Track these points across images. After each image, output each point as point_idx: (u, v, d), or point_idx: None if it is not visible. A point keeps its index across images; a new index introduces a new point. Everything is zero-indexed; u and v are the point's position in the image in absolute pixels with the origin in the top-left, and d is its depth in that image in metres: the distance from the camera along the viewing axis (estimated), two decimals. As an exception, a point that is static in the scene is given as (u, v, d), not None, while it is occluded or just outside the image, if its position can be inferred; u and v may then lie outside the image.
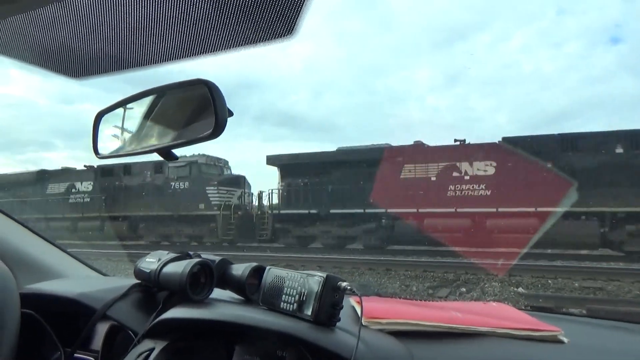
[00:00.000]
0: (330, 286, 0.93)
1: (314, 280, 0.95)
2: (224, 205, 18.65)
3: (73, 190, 21.64)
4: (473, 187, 15.30)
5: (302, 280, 0.98)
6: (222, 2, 0.84)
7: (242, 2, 0.83)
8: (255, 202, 20.02)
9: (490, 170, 15.13)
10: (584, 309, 6.24)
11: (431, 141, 16.94)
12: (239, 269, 1.17)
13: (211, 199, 18.80)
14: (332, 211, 16.81)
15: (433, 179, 15.81)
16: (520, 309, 1.24)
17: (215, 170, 20.18)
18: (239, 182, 20.10)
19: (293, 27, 0.87)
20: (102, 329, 1.15)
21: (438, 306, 1.20)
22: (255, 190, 20.39)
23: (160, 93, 1.00)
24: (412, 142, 17.17)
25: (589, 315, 5.08)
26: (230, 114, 0.99)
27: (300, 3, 0.83)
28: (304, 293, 0.95)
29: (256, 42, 0.89)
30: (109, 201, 20.63)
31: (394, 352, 0.89)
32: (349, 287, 0.94)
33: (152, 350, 0.97)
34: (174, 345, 0.99)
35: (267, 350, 0.95)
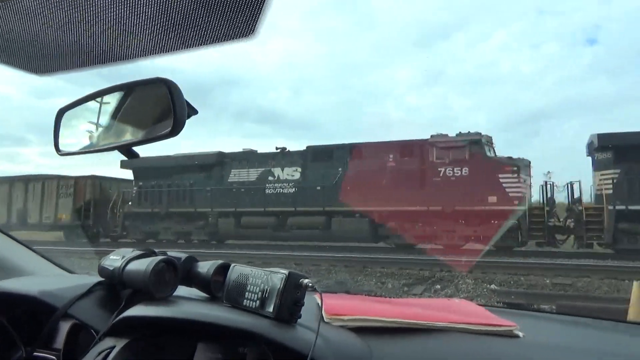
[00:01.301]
0: (292, 283, 0.95)
1: (277, 277, 0.96)
2: (529, 199, 14.11)
3: (270, 178, 17.00)
4: None
5: (265, 277, 0.99)
6: (181, 1, 0.84)
7: (202, 2, 0.84)
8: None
9: None
10: (554, 305, 6.40)
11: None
12: (205, 267, 1.17)
13: (508, 189, 13.97)
14: None
15: None
16: (493, 306, 1.28)
17: (492, 153, 15.15)
18: (528, 168, 14.87)
19: (254, 28, 0.88)
20: (64, 327, 1.14)
21: (401, 303, 1.23)
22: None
23: (122, 91, 1.00)
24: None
25: (558, 311, 5.22)
26: (195, 112, 1.00)
27: (259, 4, 0.84)
28: (266, 290, 0.96)
29: (216, 41, 0.90)
30: (330, 191, 15.68)
31: (353, 347, 0.91)
32: (310, 284, 0.96)
33: (112, 348, 0.96)
34: (136, 344, 0.99)
35: (229, 348, 0.95)
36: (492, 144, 15.14)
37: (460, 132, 15.13)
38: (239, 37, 0.90)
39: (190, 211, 17.99)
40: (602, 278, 9.21)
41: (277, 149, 17.48)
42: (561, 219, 14.43)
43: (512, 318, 1.09)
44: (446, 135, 15.23)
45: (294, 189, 16.55)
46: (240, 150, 18.32)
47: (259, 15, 0.86)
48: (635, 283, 5.60)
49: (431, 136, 15.31)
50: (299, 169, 16.71)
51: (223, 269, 1.15)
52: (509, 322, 1.03)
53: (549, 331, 1.18)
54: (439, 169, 14.68)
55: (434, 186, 14.55)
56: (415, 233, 14.62)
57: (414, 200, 14.41)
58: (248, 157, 17.76)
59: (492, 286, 8.76)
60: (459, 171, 14.51)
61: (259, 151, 18.03)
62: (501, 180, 14.06)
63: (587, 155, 15.05)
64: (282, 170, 16.94)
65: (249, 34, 0.89)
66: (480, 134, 14.89)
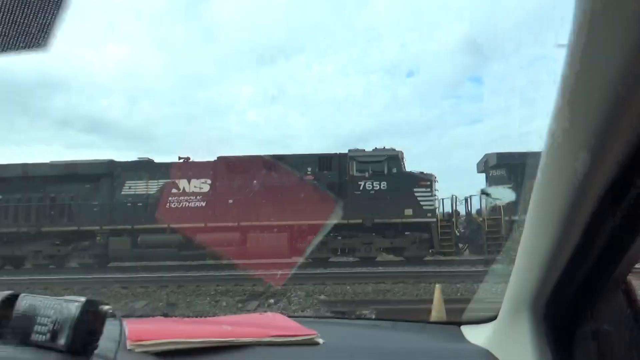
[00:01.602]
0: (89, 311, 0.89)
1: (73, 305, 0.90)
2: (440, 212, 15.00)
3: (174, 190, 15.06)
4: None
5: (58, 306, 0.91)
6: None
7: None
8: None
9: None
10: (373, 310, 7.03)
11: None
12: None
13: (422, 202, 14.79)
14: None
15: None
16: (320, 317, 1.36)
17: (404, 168, 15.47)
18: (435, 182, 15.61)
19: (46, 39, 0.83)
20: None
21: (212, 322, 1.24)
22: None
23: None
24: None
25: (376, 317, 5.75)
26: None
27: (51, 16, 0.80)
28: (58, 321, 0.89)
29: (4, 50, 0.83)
30: (245, 205, 14.51)
31: None
32: (110, 311, 0.91)
33: None
34: None
35: None
36: (404, 159, 15.69)
37: (376, 148, 15.69)
38: (29, 48, 0.84)
39: (72, 230, 15.12)
40: (413, 282, 10.41)
41: (180, 158, 15.71)
42: (461, 230, 15.85)
43: (322, 327, 1.19)
44: (363, 150, 15.71)
45: (203, 203, 15.08)
46: (135, 159, 16.13)
47: (51, 27, 0.82)
48: (436, 286, 6.48)
49: (349, 150, 15.63)
50: (209, 181, 15.25)
51: (10, 301, 1.02)
52: (310, 330, 1.11)
53: (354, 336, 1.30)
54: (359, 183, 14.98)
55: (355, 199, 14.73)
56: (335, 246, 14.81)
57: (334, 214, 14.00)
58: (145, 167, 15.66)
59: (322, 297, 9.25)
60: (378, 185, 14.96)
61: (155, 160, 16.05)
62: (416, 194, 14.88)
63: (479, 172, 16.81)
64: (189, 182, 15.25)
65: (41, 45, 0.84)
66: (394, 149, 15.48)
